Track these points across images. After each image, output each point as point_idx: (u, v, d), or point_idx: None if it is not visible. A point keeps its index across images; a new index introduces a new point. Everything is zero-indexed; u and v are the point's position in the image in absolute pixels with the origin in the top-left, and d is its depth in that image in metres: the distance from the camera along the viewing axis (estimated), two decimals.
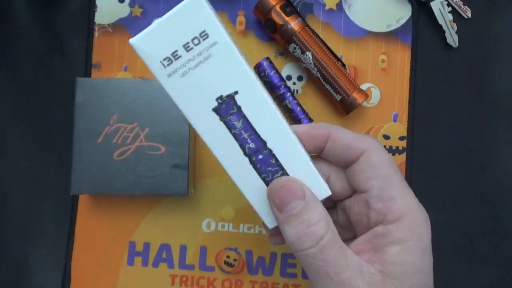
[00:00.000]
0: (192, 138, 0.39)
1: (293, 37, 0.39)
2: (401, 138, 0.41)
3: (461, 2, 0.42)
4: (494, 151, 0.42)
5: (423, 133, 0.42)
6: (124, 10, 0.42)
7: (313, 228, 0.24)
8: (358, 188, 0.27)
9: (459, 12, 0.42)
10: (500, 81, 0.42)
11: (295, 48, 0.40)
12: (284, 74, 0.42)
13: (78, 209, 0.41)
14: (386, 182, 0.26)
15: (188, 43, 0.24)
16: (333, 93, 0.40)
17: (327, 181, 0.28)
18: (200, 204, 0.41)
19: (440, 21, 0.41)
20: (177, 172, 0.37)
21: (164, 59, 0.24)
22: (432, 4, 0.41)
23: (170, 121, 0.37)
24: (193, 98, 0.25)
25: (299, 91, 0.42)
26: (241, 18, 0.42)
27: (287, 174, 0.26)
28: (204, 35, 0.24)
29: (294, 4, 0.42)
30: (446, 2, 0.42)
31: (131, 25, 0.42)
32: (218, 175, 0.41)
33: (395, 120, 0.41)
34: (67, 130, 0.39)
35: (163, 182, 0.37)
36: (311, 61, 0.39)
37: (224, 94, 0.25)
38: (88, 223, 0.41)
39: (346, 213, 0.29)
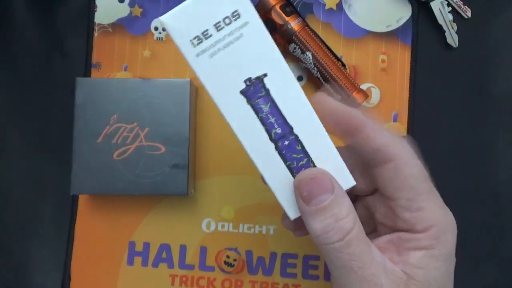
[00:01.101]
0: (192, 138, 0.39)
1: (293, 37, 0.39)
2: None
3: (461, 2, 0.42)
4: (494, 151, 0.42)
5: (423, 133, 0.41)
6: (124, 10, 0.42)
7: (341, 222, 0.23)
8: (384, 193, 0.26)
9: (459, 12, 0.42)
10: (500, 81, 0.42)
11: (295, 48, 0.40)
12: None
13: (78, 209, 0.41)
14: (415, 193, 0.25)
15: (219, 22, 0.24)
16: (333, 93, 0.40)
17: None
18: (200, 204, 0.41)
19: (440, 21, 0.41)
20: (177, 172, 0.37)
21: (194, 38, 0.24)
22: (432, 4, 0.41)
23: (170, 121, 0.37)
24: (220, 79, 0.24)
25: None
26: None
27: (312, 162, 0.25)
28: (235, 15, 0.24)
29: (294, 4, 0.42)
30: (446, 2, 0.42)
31: (131, 25, 0.42)
32: (218, 175, 0.41)
33: (395, 120, 0.41)
34: (67, 130, 0.39)
35: (163, 182, 0.37)
36: (311, 61, 0.39)
37: (253, 76, 0.24)
38: (88, 223, 0.41)
39: (367, 209, 0.28)
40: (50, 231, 0.41)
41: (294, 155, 0.25)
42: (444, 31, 0.41)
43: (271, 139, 0.25)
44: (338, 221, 0.23)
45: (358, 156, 0.27)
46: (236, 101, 0.24)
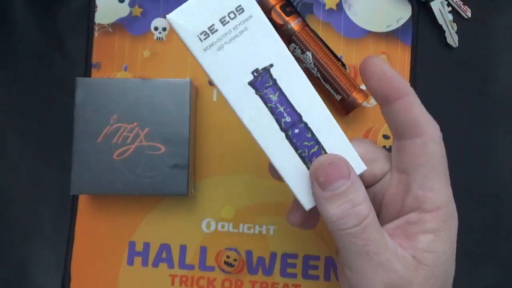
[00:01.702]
0: (192, 138, 0.39)
1: (293, 37, 0.39)
2: None
3: (461, 2, 0.42)
4: (494, 151, 0.42)
5: None
6: (124, 10, 0.42)
7: (358, 208, 0.24)
8: (401, 166, 0.27)
9: (459, 12, 0.42)
10: (500, 81, 0.42)
11: (295, 48, 0.40)
12: None
13: (78, 209, 0.41)
14: (433, 172, 0.25)
15: (224, 17, 0.24)
16: (333, 93, 0.40)
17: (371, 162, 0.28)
18: (200, 204, 0.41)
19: (440, 21, 0.41)
20: (177, 172, 0.37)
21: (201, 33, 0.24)
22: (432, 4, 0.41)
23: (170, 121, 0.37)
24: (228, 72, 0.25)
25: None
26: None
27: (323, 149, 0.25)
28: (239, 9, 0.24)
29: (294, 4, 0.42)
30: (446, 2, 0.42)
31: (131, 25, 0.42)
32: (218, 175, 0.41)
33: None
34: (67, 130, 0.39)
35: (163, 182, 0.37)
36: (311, 61, 0.39)
37: (260, 67, 0.25)
38: (88, 223, 0.41)
39: (374, 195, 0.29)
40: (50, 231, 0.41)
41: (305, 143, 0.25)
42: (444, 31, 0.41)
43: (281, 128, 0.25)
44: (354, 206, 0.24)
45: (386, 121, 0.27)
46: (244, 93, 0.25)
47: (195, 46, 0.24)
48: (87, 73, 0.42)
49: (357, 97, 0.39)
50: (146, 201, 0.41)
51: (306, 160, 0.25)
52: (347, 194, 0.24)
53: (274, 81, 0.25)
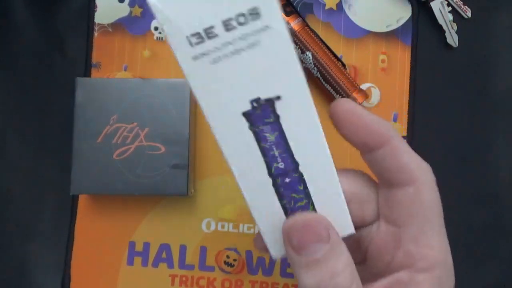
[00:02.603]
0: (192, 138, 0.39)
1: (293, 37, 0.39)
2: None
3: (461, 2, 0.42)
4: (494, 151, 0.42)
5: (423, 133, 0.41)
6: (124, 10, 0.42)
7: (338, 279, 0.20)
8: (390, 216, 0.23)
9: (459, 12, 0.42)
10: (500, 81, 0.42)
11: (295, 48, 0.40)
12: None
13: (78, 209, 0.41)
14: (428, 226, 0.22)
15: (230, 19, 0.18)
16: (333, 93, 0.40)
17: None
18: (200, 204, 0.41)
19: (440, 21, 0.41)
20: (177, 172, 0.37)
21: (193, 35, 0.18)
22: (432, 4, 0.41)
23: (170, 121, 0.37)
24: (219, 93, 0.19)
25: None
26: None
27: (312, 205, 0.21)
28: (254, 13, 0.18)
29: (294, 4, 0.42)
30: (446, 2, 0.42)
31: (131, 25, 0.42)
32: (218, 175, 0.41)
33: (395, 120, 0.41)
34: (67, 130, 0.39)
35: (163, 182, 0.37)
36: (311, 61, 0.40)
37: (263, 96, 0.19)
38: (88, 223, 0.41)
39: (357, 241, 0.25)
40: (50, 231, 0.41)
41: (294, 195, 0.21)
42: (444, 31, 0.41)
43: (270, 173, 0.20)
44: (334, 277, 0.20)
45: (371, 171, 0.24)
46: (235, 123, 0.19)
47: (182, 51, 0.18)
48: (87, 73, 0.42)
49: (357, 97, 0.39)
50: (146, 201, 0.41)
51: (289, 212, 0.21)
52: (325, 261, 0.20)
53: (277, 117, 0.20)
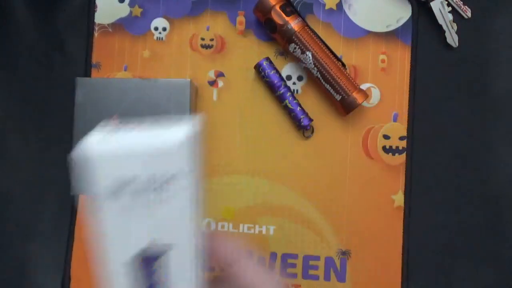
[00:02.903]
0: None
1: (293, 37, 0.39)
2: (401, 138, 0.41)
3: (461, 2, 0.42)
4: (494, 151, 0.42)
5: (423, 133, 0.41)
6: (124, 10, 0.42)
7: None
8: None
9: (459, 12, 0.42)
10: (500, 81, 0.42)
11: (295, 48, 0.40)
12: (284, 74, 0.42)
13: (78, 209, 0.41)
14: None
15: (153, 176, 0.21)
16: (333, 93, 0.40)
17: None
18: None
19: (440, 21, 0.41)
20: None
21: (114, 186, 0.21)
22: (432, 4, 0.41)
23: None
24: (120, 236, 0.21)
25: (299, 91, 0.42)
26: (241, 18, 0.42)
27: None
28: (171, 178, 0.21)
29: (294, 4, 0.42)
30: (446, 2, 0.42)
31: (131, 25, 0.42)
32: (218, 175, 0.41)
33: (395, 120, 0.41)
34: (67, 130, 0.39)
35: None
36: (311, 61, 0.39)
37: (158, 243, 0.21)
38: (88, 223, 0.41)
39: None
40: (50, 231, 0.41)
41: None
42: (444, 31, 0.41)
43: None
44: None
45: None
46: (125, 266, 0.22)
47: (104, 197, 0.21)
48: (87, 73, 0.42)
49: (357, 97, 0.39)
50: None
51: None
52: None
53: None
